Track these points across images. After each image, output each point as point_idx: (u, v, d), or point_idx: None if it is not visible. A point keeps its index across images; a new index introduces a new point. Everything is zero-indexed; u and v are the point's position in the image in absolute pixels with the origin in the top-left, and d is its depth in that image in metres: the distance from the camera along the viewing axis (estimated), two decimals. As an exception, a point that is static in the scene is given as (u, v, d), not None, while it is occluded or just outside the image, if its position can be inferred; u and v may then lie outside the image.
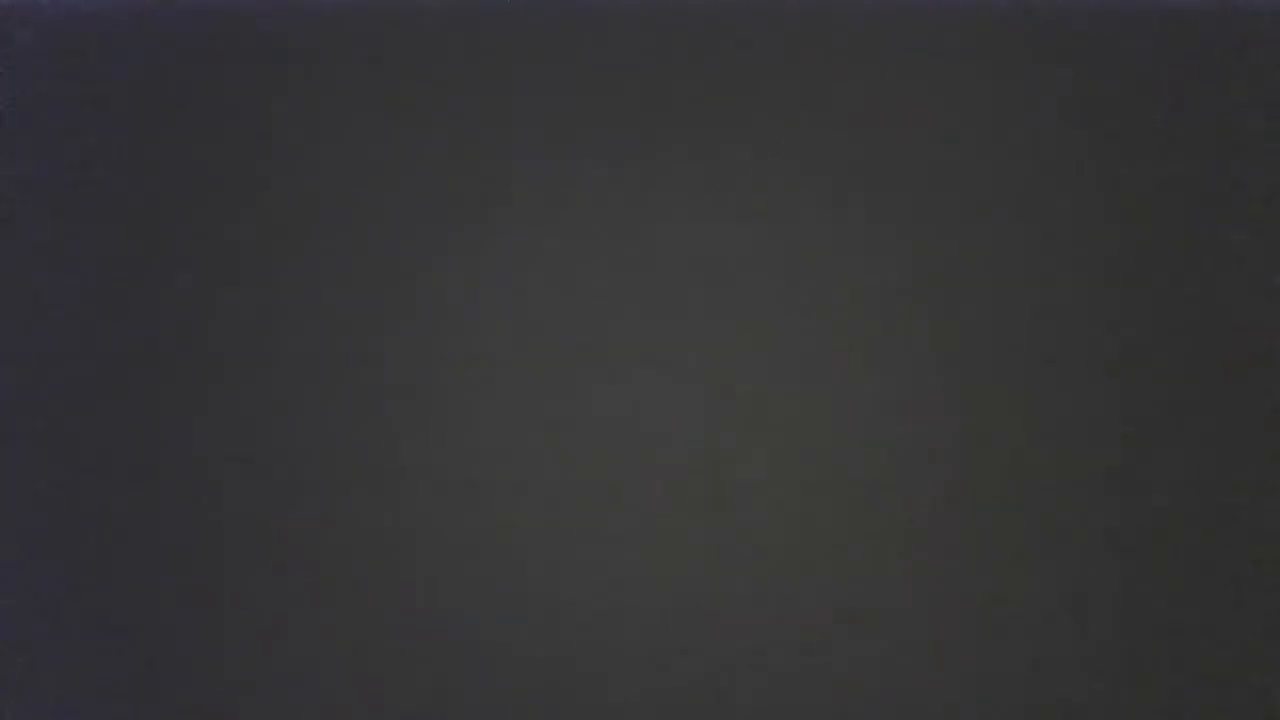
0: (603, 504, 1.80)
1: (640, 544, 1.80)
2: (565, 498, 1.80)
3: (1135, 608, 1.79)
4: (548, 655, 1.80)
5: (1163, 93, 1.81)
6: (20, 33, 1.83)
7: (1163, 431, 1.80)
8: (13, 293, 1.82)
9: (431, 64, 1.82)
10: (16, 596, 1.81)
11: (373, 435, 1.81)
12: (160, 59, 1.83)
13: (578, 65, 1.82)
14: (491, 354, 1.81)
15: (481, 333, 1.81)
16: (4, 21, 1.83)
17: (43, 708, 1.82)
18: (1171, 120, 1.81)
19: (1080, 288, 1.80)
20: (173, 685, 1.81)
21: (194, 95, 1.82)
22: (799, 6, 1.82)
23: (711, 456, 1.80)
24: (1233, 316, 1.80)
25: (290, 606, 1.80)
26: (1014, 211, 1.81)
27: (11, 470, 1.82)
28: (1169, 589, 1.79)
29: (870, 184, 1.81)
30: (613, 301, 1.81)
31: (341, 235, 1.82)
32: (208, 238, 1.82)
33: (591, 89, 1.82)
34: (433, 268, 1.82)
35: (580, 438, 1.80)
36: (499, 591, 1.80)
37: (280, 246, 1.82)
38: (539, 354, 1.81)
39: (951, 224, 1.81)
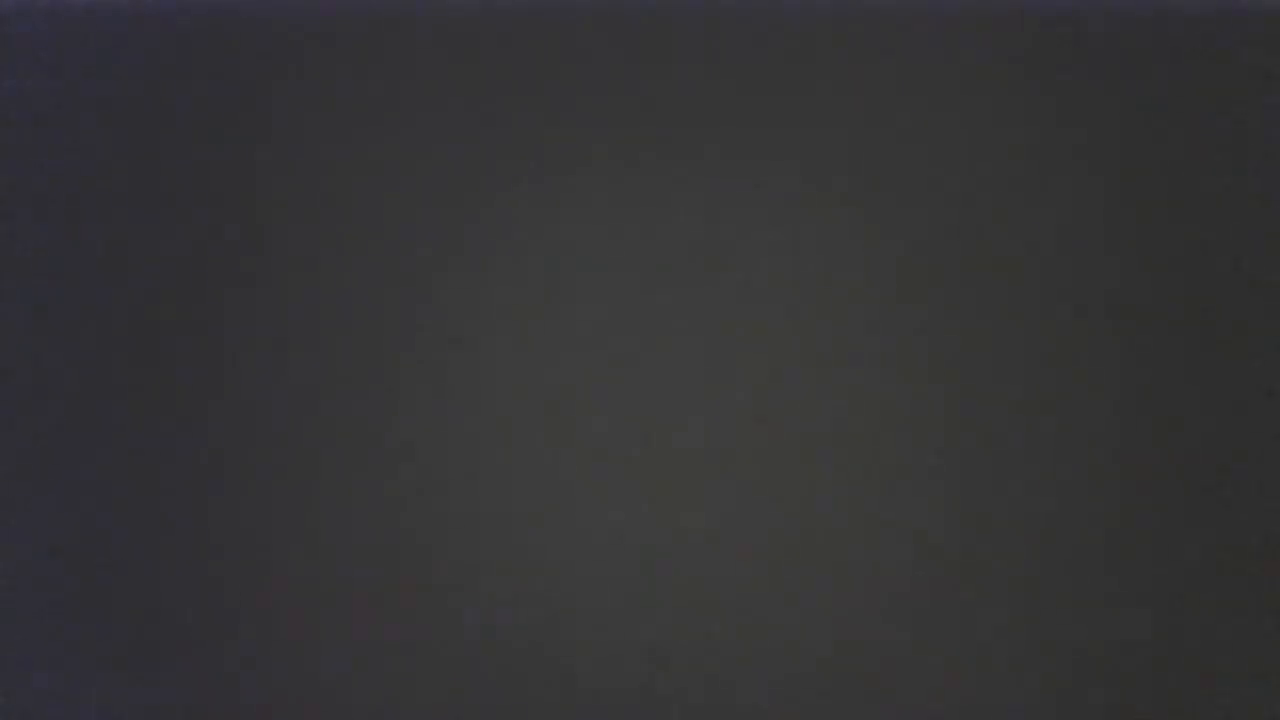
0: (603, 504, 1.80)
1: (641, 544, 1.80)
2: (565, 498, 1.80)
3: (1135, 607, 1.79)
4: (547, 654, 1.80)
5: (1163, 93, 1.81)
6: (20, 33, 1.83)
7: (1163, 430, 1.80)
8: (12, 293, 1.82)
9: (431, 64, 1.82)
10: (16, 597, 1.81)
11: (373, 435, 1.81)
12: (160, 59, 1.83)
13: (578, 65, 1.82)
14: (492, 353, 1.81)
15: (481, 333, 1.81)
16: (4, 22, 1.83)
17: (42, 707, 1.82)
18: (1172, 120, 1.81)
19: (1080, 287, 1.80)
20: (173, 687, 1.81)
21: (194, 95, 1.82)
22: (799, 6, 1.82)
23: (712, 456, 1.80)
24: (1233, 316, 1.80)
25: (290, 606, 1.80)
26: (1013, 211, 1.81)
27: (11, 470, 1.82)
28: (1168, 589, 1.79)
29: (870, 184, 1.81)
30: (612, 301, 1.81)
31: (342, 234, 1.82)
32: (208, 237, 1.82)
33: (591, 89, 1.82)
34: (433, 267, 1.82)
35: (580, 437, 1.80)
36: (499, 590, 1.80)
37: (280, 246, 1.82)
38: (539, 353, 1.81)
39: (950, 223, 1.81)
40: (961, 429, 1.80)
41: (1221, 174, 1.81)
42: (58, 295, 1.82)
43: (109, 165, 1.83)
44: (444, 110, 1.82)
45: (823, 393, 1.80)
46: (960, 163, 1.81)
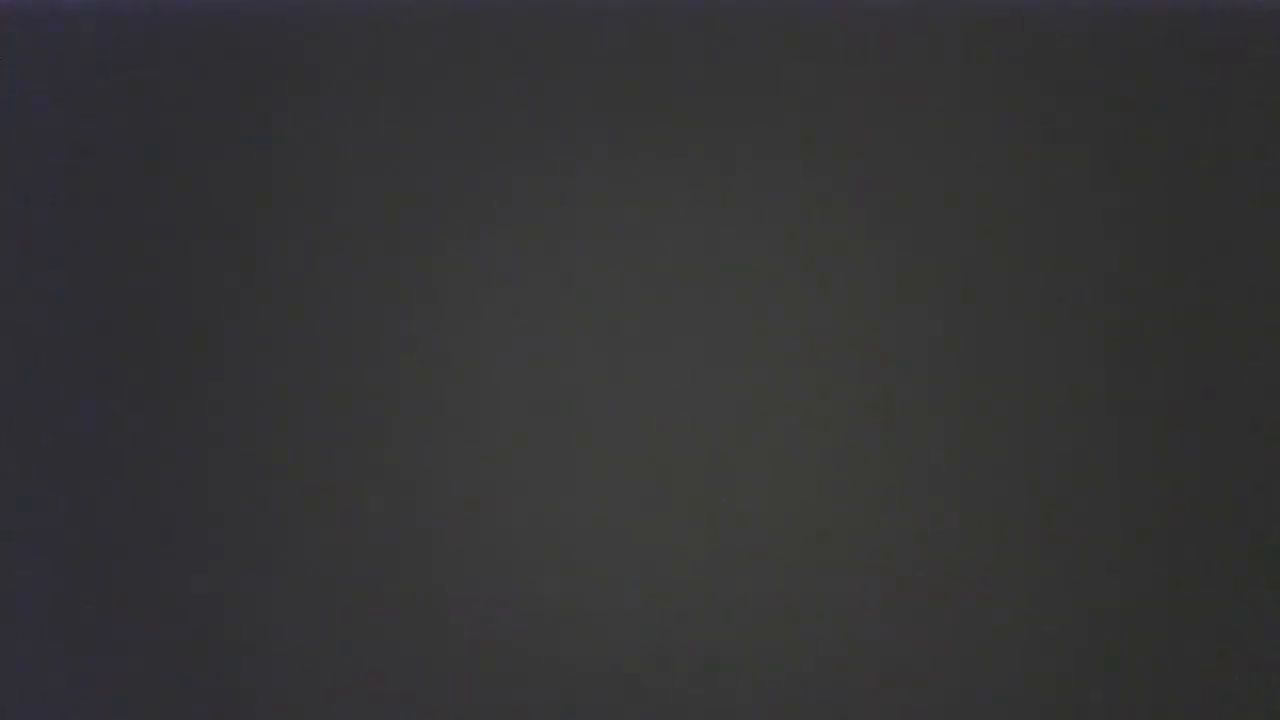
0: (603, 505, 1.80)
1: (642, 543, 1.80)
2: (565, 498, 1.80)
3: (1134, 608, 1.79)
4: (548, 654, 1.80)
5: (1163, 93, 1.81)
6: (20, 33, 1.83)
7: (1163, 431, 1.80)
8: (13, 293, 1.82)
9: (431, 64, 1.82)
10: (16, 598, 1.81)
11: (373, 436, 1.81)
12: (160, 59, 1.83)
13: (577, 65, 1.82)
14: (491, 354, 1.81)
15: (481, 334, 1.81)
16: (4, 21, 1.83)
17: (43, 709, 1.82)
18: (1172, 120, 1.81)
19: (1080, 287, 1.81)
20: (173, 689, 1.81)
21: (194, 95, 1.82)
22: (799, 6, 1.82)
23: (712, 456, 1.80)
24: (1233, 316, 1.80)
25: (291, 606, 1.80)
26: (1013, 211, 1.81)
27: (11, 470, 1.82)
28: (1169, 589, 1.79)
29: (870, 184, 1.81)
30: (612, 301, 1.81)
31: (342, 234, 1.82)
32: (208, 238, 1.82)
33: (591, 89, 1.82)
34: (433, 268, 1.82)
35: (580, 437, 1.80)
36: (499, 590, 1.80)
37: (280, 246, 1.82)
38: (539, 354, 1.81)
39: (950, 223, 1.81)
40: (962, 429, 1.80)
41: (1221, 174, 1.81)
42: (58, 295, 1.82)
43: (109, 165, 1.83)
44: (444, 110, 1.82)
45: (824, 393, 1.80)
46: (960, 162, 1.81)
